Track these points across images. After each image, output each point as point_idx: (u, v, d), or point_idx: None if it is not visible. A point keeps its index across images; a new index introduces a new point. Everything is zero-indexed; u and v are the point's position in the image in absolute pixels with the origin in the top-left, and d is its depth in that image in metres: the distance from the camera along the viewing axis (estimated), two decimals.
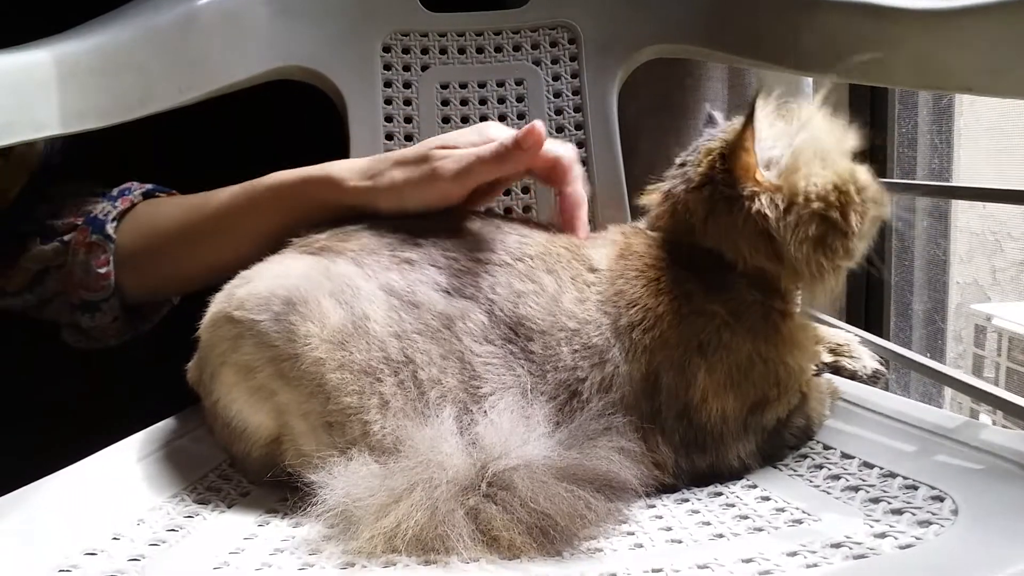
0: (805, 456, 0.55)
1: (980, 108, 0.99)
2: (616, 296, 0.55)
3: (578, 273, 0.57)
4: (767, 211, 0.53)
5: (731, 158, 0.55)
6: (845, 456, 0.53)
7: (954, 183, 0.89)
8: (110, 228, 0.68)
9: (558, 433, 0.50)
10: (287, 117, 0.91)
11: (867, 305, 0.96)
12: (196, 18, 0.75)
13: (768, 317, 0.56)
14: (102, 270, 0.67)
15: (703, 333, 0.54)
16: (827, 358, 0.65)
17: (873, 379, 0.63)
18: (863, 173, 0.56)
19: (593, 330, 0.54)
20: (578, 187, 0.62)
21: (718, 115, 0.64)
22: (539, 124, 0.57)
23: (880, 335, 0.94)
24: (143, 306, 0.73)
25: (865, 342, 0.81)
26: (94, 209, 0.69)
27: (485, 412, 0.51)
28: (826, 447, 0.55)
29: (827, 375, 0.63)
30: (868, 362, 0.64)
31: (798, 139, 0.55)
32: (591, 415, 0.52)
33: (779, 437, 0.55)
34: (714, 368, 0.54)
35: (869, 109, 0.90)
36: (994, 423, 0.92)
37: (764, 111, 0.56)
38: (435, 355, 0.53)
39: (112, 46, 0.69)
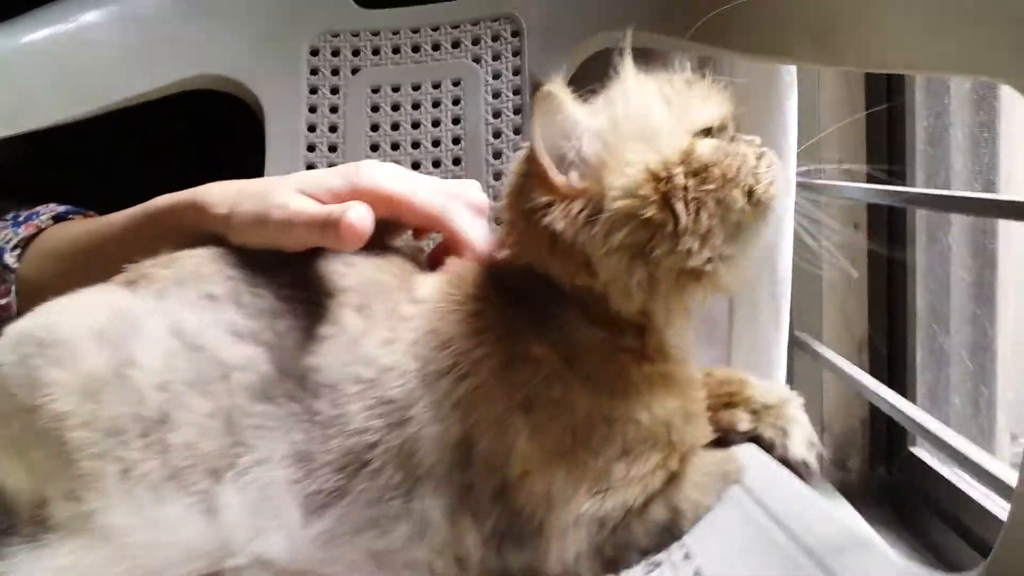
0: (658, 564, 0.41)
1: None
2: (429, 335, 0.44)
3: (396, 306, 0.46)
4: (558, 224, 0.41)
5: (529, 163, 0.43)
6: None
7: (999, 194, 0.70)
8: (9, 258, 0.64)
9: (319, 522, 0.40)
10: (210, 126, 0.85)
11: (890, 354, 0.77)
12: (84, 28, 0.70)
13: (613, 360, 0.43)
14: (2, 301, 0.64)
15: (529, 385, 0.42)
16: (745, 425, 0.50)
17: (797, 470, 0.48)
18: (707, 148, 0.42)
19: (394, 379, 0.43)
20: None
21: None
22: (359, 222, 0.45)
23: (905, 393, 0.75)
24: None
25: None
26: None
27: (233, 491, 0.41)
28: (687, 556, 0.41)
29: (735, 448, 0.48)
30: (798, 448, 0.48)
31: (607, 123, 0.42)
32: (366, 499, 0.41)
33: (627, 534, 0.42)
34: (540, 431, 0.41)
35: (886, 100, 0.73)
36: None
37: (569, 97, 0.43)
38: (199, 413, 0.43)
39: None
